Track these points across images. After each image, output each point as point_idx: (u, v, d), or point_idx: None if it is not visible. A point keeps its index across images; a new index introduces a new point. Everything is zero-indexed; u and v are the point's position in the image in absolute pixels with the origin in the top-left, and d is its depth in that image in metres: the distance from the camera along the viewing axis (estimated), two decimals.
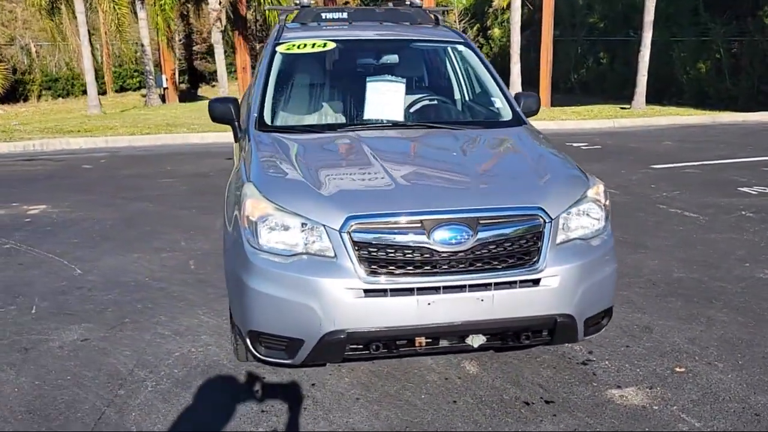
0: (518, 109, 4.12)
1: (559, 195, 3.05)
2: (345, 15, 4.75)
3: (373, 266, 2.78)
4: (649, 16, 14.26)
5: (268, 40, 4.52)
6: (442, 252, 2.80)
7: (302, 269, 2.80)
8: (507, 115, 4.09)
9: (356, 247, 2.79)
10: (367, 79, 4.20)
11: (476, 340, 2.91)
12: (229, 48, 23.67)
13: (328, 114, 4.09)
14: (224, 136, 11.39)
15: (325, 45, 4.34)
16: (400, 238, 2.80)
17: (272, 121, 3.92)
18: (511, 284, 2.84)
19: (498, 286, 2.82)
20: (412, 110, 4.08)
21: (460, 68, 4.46)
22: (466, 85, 4.36)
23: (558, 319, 2.91)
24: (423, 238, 2.80)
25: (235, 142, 4.13)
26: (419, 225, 2.81)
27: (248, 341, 3.00)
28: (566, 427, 3.04)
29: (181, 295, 4.55)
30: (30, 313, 4.29)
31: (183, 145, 11.79)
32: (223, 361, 3.65)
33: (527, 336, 2.95)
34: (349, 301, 2.75)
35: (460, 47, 4.54)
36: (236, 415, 3.14)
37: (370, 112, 3.98)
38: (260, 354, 3.00)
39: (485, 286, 2.81)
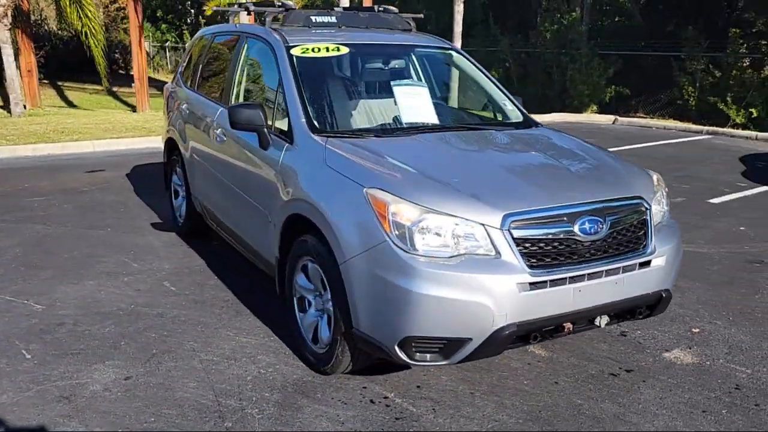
0: (524, 110, 4.46)
1: (644, 185, 3.45)
2: (334, 19, 4.71)
3: (531, 260, 2.93)
4: (458, 27, 15.52)
5: (269, 42, 4.31)
6: (584, 242, 3.03)
7: (472, 268, 2.86)
8: (519, 116, 4.40)
9: (517, 243, 2.91)
10: (392, 84, 4.25)
11: (603, 321, 3.18)
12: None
13: (371, 118, 4.06)
14: (60, 147, 10.23)
15: (338, 49, 4.29)
16: (551, 232, 2.99)
17: (323, 126, 3.80)
18: (633, 267, 3.16)
19: (625, 269, 3.13)
20: (440, 114, 4.21)
21: (459, 73, 4.66)
22: (471, 89, 4.58)
23: (663, 294, 3.30)
24: (569, 229, 3.01)
25: (263, 149, 3.92)
26: (565, 218, 3.02)
27: (396, 348, 2.96)
28: (662, 390, 3.45)
29: (190, 319, 4.18)
30: (26, 358, 3.67)
31: (12, 159, 10.29)
32: (307, 377, 3.51)
33: (640, 311, 3.30)
34: (518, 295, 2.87)
35: (453, 53, 4.76)
36: (374, 425, 3.07)
37: (409, 116, 4.05)
38: (410, 359, 2.98)
39: (617, 271, 3.11)
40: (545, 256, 2.97)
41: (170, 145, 5.94)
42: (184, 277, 4.89)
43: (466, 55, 4.77)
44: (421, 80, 4.56)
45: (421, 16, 5.24)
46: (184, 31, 29.68)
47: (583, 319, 3.13)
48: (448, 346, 2.95)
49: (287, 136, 3.81)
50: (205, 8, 31.22)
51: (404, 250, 2.90)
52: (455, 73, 4.70)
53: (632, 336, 4.07)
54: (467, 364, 3.60)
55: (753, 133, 13.66)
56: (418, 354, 2.97)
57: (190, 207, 5.58)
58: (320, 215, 3.27)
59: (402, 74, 4.46)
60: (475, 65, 4.71)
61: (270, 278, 4.05)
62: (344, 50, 4.31)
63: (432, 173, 3.22)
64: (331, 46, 4.28)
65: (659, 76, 17.66)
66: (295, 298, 3.72)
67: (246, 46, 4.72)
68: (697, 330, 4.17)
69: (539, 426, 3.10)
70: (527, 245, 2.94)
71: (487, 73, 4.69)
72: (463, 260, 2.88)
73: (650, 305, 3.34)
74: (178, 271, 5.01)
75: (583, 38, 17.29)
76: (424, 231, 2.91)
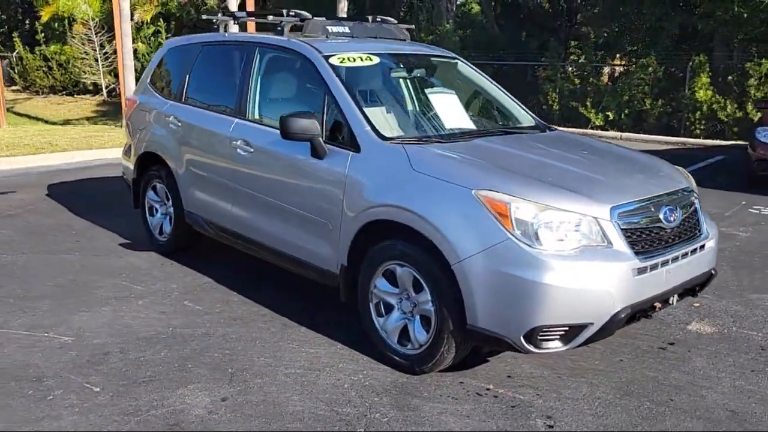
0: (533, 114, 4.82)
1: (687, 178, 3.91)
2: (347, 30, 4.78)
3: (635, 247, 3.25)
4: None
5: (301, 52, 4.31)
6: (667, 228, 3.42)
7: (593, 258, 3.13)
8: (531, 120, 4.74)
9: (624, 234, 3.22)
10: (426, 91, 4.42)
11: (674, 299, 3.58)
12: None
13: (420, 124, 4.19)
14: None
15: (370, 59, 4.39)
16: (645, 221, 3.34)
17: (388, 133, 3.89)
18: (696, 249, 3.60)
19: (692, 252, 3.56)
20: (473, 120, 4.44)
21: (469, 81, 4.90)
22: (484, 95, 4.83)
23: (712, 272, 3.78)
24: (657, 218, 3.38)
25: (317, 158, 3.93)
26: (652, 208, 3.38)
27: (522, 339, 3.15)
28: (709, 358, 3.93)
29: (241, 336, 4.08)
30: (95, 392, 3.42)
31: None
32: (401, 378, 3.60)
33: (699, 288, 3.74)
34: (631, 280, 3.18)
35: (458, 62, 5.00)
36: (496, 415, 3.25)
37: (450, 122, 4.24)
38: (536, 348, 3.18)
39: (688, 254, 3.52)
40: (643, 243, 3.30)
41: (145, 160, 5.64)
42: (201, 295, 4.72)
43: (470, 64, 5.04)
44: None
45: (413, 27, 5.42)
46: (15, 40, 27.38)
47: (666, 298, 3.50)
48: (569, 333, 3.19)
49: (350, 144, 3.85)
50: (41, 14, 29.07)
51: (530, 246, 3.10)
52: (463, 81, 4.93)
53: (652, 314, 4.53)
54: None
55: (618, 134, 15.20)
56: (542, 343, 3.18)
57: (178, 223, 5.36)
58: (419, 219, 3.38)
59: (426, 82, 4.63)
60: (480, 73, 4.98)
61: (300, 287, 4.08)
62: (375, 60, 4.41)
63: (526, 173, 3.46)
64: (363, 56, 4.36)
65: (522, 83, 19.05)
66: (371, 304, 3.77)
67: (260, 56, 4.65)
68: (698, 304, 4.73)
69: (638, 399, 3.42)
70: (630, 234, 3.26)
71: (492, 81, 4.98)
72: (583, 251, 3.14)
73: (702, 283, 3.79)
74: (190, 290, 4.81)
75: (457, 48, 18.23)
76: (546, 227, 3.13)
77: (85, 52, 28.92)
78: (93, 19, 28.15)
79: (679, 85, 15.78)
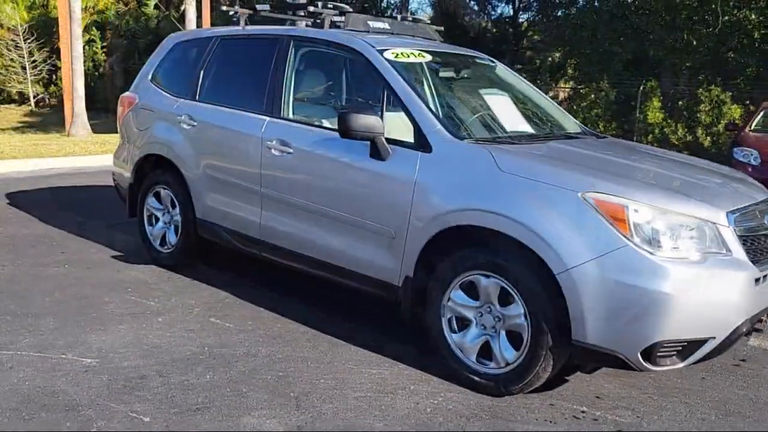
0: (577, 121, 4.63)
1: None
2: (387, 26, 4.48)
3: (750, 255, 3.06)
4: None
5: (350, 45, 3.98)
6: None
7: (718, 267, 2.91)
8: (577, 126, 4.55)
9: (740, 240, 3.03)
10: (482, 92, 4.16)
11: None
12: None
13: (485, 124, 3.91)
14: None
15: (421, 55, 4.10)
16: (755, 227, 3.16)
17: (461, 132, 3.60)
18: None
19: None
20: (530, 122, 4.21)
21: (509, 85, 4.67)
22: (526, 100, 4.60)
23: None
24: (763, 224, 3.21)
25: (378, 159, 3.60)
26: (758, 213, 3.22)
27: (639, 356, 2.90)
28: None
29: (289, 357, 3.67)
30: (146, 422, 2.94)
31: None
32: (486, 401, 3.28)
33: None
34: (751, 290, 2.99)
35: (497, 65, 4.77)
36: None
37: (510, 124, 3.99)
38: (653, 365, 2.94)
39: None
40: (756, 251, 3.11)
41: (145, 164, 5.14)
42: (227, 312, 4.26)
43: (508, 68, 4.81)
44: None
45: (442, 28, 5.17)
46: None
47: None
48: (687, 348, 2.96)
49: (418, 144, 3.54)
50: None
51: (650, 253, 2.86)
52: (504, 85, 4.69)
53: None
54: (609, 370, 3.62)
55: None
56: (660, 359, 2.93)
57: (187, 233, 4.87)
58: (514, 224, 3.10)
59: (476, 83, 4.37)
60: (519, 78, 4.76)
61: (335, 301, 3.75)
62: (427, 57, 4.12)
63: (630, 176, 3.24)
64: (415, 52, 4.07)
65: None
66: (443, 319, 3.44)
67: (296, 50, 4.29)
68: None
69: (741, 419, 3.22)
70: (745, 241, 3.06)
71: (532, 86, 4.77)
72: (707, 259, 2.92)
73: None
74: (212, 306, 4.34)
75: None
76: (668, 232, 2.90)
77: (11, 60, 27.47)
78: (21, 25, 26.81)
79: (631, 109, 16.20)
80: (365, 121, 3.50)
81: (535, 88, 4.75)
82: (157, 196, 5.11)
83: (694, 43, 15.20)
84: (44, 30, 27.29)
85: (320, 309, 4.37)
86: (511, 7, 23.64)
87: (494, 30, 25.16)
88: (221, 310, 4.28)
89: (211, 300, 4.45)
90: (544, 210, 3.06)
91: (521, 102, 4.41)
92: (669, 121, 15.11)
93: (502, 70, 4.76)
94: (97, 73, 26.05)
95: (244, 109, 4.46)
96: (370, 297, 3.87)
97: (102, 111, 23.43)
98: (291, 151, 4.05)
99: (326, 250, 3.94)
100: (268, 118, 4.26)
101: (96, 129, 14.04)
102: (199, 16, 14.24)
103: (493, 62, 4.78)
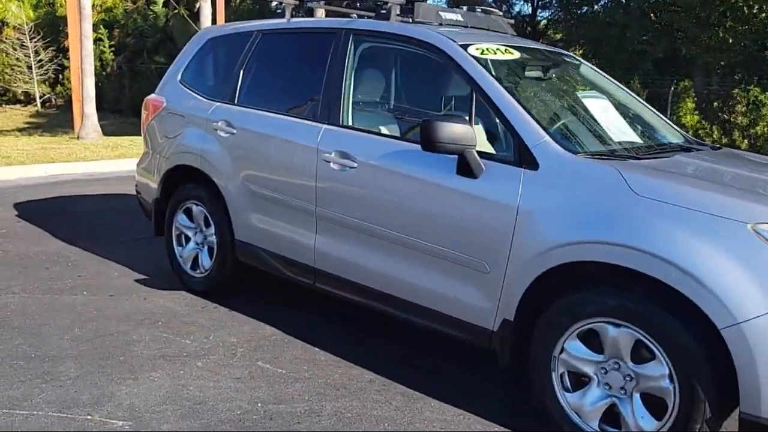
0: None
1: None
2: (460, 18, 3.85)
3: None
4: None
5: (425, 40, 3.35)
6: None
7: None
8: (680, 135, 3.91)
9: None
10: (579, 95, 3.53)
11: None
12: None
13: (592, 135, 3.26)
14: None
15: (509, 51, 3.46)
16: None
17: (570, 145, 2.96)
18: None
19: None
20: (636, 132, 3.56)
21: (598, 87, 4.02)
22: (620, 103, 3.94)
23: None
24: None
25: (467, 176, 2.97)
26: None
27: None
28: None
29: (361, 414, 3.04)
30: None
31: None
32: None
33: None
34: None
35: (582, 64, 4.13)
36: None
37: (616, 134, 3.34)
38: None
39: None
40: None
41: (174, 176, 4.51)
42: (275, 353, 3.63)
43: (594, 67, 4.17)
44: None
45: (512, 20, 4.52)
46: None
47: None
48: None
49: (520, 159, 2.90)
50: None
51: None
52: (594, 86, 4.05)
53: None
54: None
55: None
56: None
57: (224, 256, 4.25)
58: (659, 263, 2.46)
59: (569, 85, 3.73)
60: (608, 78, 4.11)
61: (399, 339, 3.11)
62: (515, 54, 3.48)
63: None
64: (502, 48, 3.44)
65: None
66: (553, 374, 2.80)
67: (355, 46, 3.66)
68: None
69: None
70: None
71: (623, 87, 4.12)
72: None
73: None
74: (258, 345, 3.71)
75: None
76: None
77: (17, 59, 26.91)
78: (27, 24, 26.26)
79: (661, 111, 15.50)
80: (454, 130, 2.87)
81: (625, 88, 4.10)
82: (188, 212, 4.48)
83: (730, 41, 14.50)
84: (50, 29, 26.75)
85: (386, 348, 3.74)
86: (529, 5, 22.94)
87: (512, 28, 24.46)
88: (269, 350, 3.65)
89: (255, 337, 3.82)
90: (701, 245, 2.42)
91: (619, 106, 3.76)
92: (704, 122, 14.41)
93: (588, 69, 4.11)
94: (105, 73, 25.43)
95: (294, 115, 3.84)
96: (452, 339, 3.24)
97: (110, 112, 22.85)
98: (354, 165, 3.42)
99: (398, 283, 3.31)
100: (324, 126, 3.63)
101: (105, 131, 13.42)
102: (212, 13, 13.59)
103: (577, 60, 4.13)
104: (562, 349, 2.76)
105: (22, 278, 4.66)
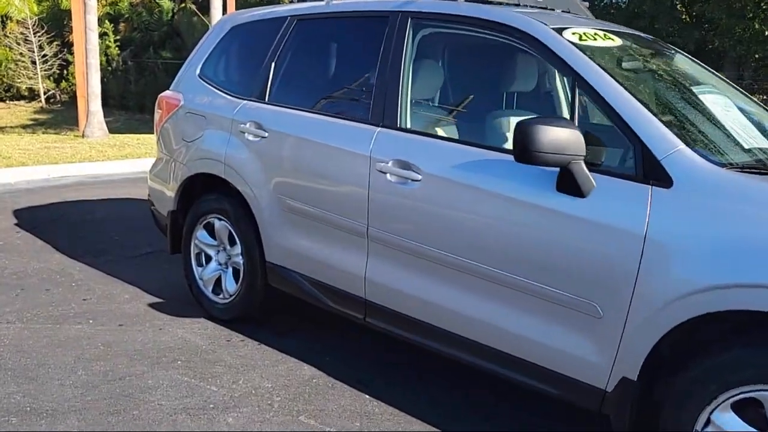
0: None
1: None
2: None
3: None
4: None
5: (508, 23, 2.71)
6: None
7: None
8: None
9: None
10: (695, 90, 2.88)
11: None
12: None
13: (726, 140, 2.61)
14: None
15: (609, 37, 2.82)
16: None
17: (710, 154, 2.32)
18: None
19: None
20: (761, 134, 2.91)
21: (705, 78, 3.36)
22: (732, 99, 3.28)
23: None
24: None
25: (572, 194, 2.34)
26: None
27: None
28: None
29: None
30: None
31: None
32: None
33: None
34: None
35: (677, 54, 3.47)
36: None
37: (747, 139, 2.69)
38: None
39: None
40: None
41: (194, 185, 3.90)
42: (320, 403, 3.00)
43: (689, 56, 3.51)
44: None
45: (587, 3, 3.86)
46: None
47: None
48: None
49: (647, 174, 2.26)
50: None
51: None
52: (700, 79, 3.39)
53: None
54: None
55: None
56: None
57: (252, 280, 3.63)
58: None
59: (669, 78, 3.06)
60: (708, 70, 3.45)
61: (484, 389, 2.45)
62: (616, 40, 2.84)
63: None
64: (600, 32, 2.79)
65: None
66: None
67: (414, 32, 3.02)
68: None
69: None
70: None
71: (728, 81, 3.46)
72: None
73: None
74: (297, 393, 3.09)
75: None
76: None
77: (21, 54, 26.33)
78: (31, 18, 25.69)
79: None
80: (558, 135, 2.25)
81: (731, 83, 3.45)
82: (210, 228, 3.86)
83: (766, 32, 13.78)
84: (54, 23, 26.17)
85: (453, 396, 3.11)
86: None
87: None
88: (311, 399, 3.03)
89: (294, 381, 3.20)
90: None
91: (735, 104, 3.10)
92: None
93: (684, 59, 3.45)
94: (110, 68, 24.82)
95: (340, 116, 3.21)
96: (546, 396, 2.60)
97: (116, 108, 22.25)
98: (418, 177, 2.79)
99: (476, 325, 2.68)
100: (377, 129, 3.00)
101: (111, 128, 12.81)
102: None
103: (672, 48, 3.48)
104: (708, 421, 2.12)
105: (19, 303, 4.05)
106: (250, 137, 3.53)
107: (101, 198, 7.16)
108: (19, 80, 27.04)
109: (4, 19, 26.80)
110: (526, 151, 2.28)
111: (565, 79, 2.55)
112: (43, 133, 15.13)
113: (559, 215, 2.39)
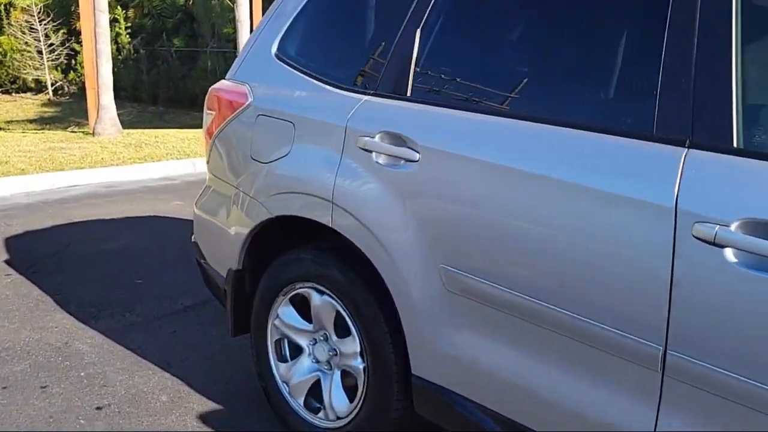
0: None
1: None
2: None
3: None
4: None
5: None
6: None
7: None
8: None
9: None
10: None
11: None
12: None
13: None
14: None
15: None
16: None
17: None
18: None
19: None
20: None
21: None
22: None
23: None
24: None
25: None
26: None
27: None
28: None
29: None
30: None
31: None
32: None
33: None
34: None
35: None
36: None
37: None
38: None
39: None
40: None
41: (274, 232, 2.39)
42: None
43: None
44: None
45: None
46: None
47: None
48: None
49: None
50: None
51: None
52: None
53: None
54: None
55: None
56: None
57: (383, 402, 2.13)
58: None
59: None
60: None
61: None
62: None
63: None
64: None
65: None
66: None
67: None
68: None
69: None
70: None
71: None
72: None
73: None
74: None
75: None
76: None
77: (26, 43, 24.94)
78: (36, 5, 24.29)
79: None
80: None
81: None
82: (302, 303, 2.35)
83: None
84: (61, 9, 24.76)
85: None
86: None
87: None
88: None
89: None
90: None
91: None
92: None
93: None
94: (120, 57, 23.33)
95: (585, 127, 1.68)
96: None
97: (127, 100, 20.75)
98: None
99: None
100: (684, 151, 1.48)
101: (123, 122, 11.32)
102: None
103: None
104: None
105: (3, 413, 2.57)
106: (383, 160, 2.01)
107: (117, 217, 5.68)
108: (25, 71, 25.66)
109: (8, 6, 25.44)
110: None
111: None
112: (49, 129, 13.70)
113: None
